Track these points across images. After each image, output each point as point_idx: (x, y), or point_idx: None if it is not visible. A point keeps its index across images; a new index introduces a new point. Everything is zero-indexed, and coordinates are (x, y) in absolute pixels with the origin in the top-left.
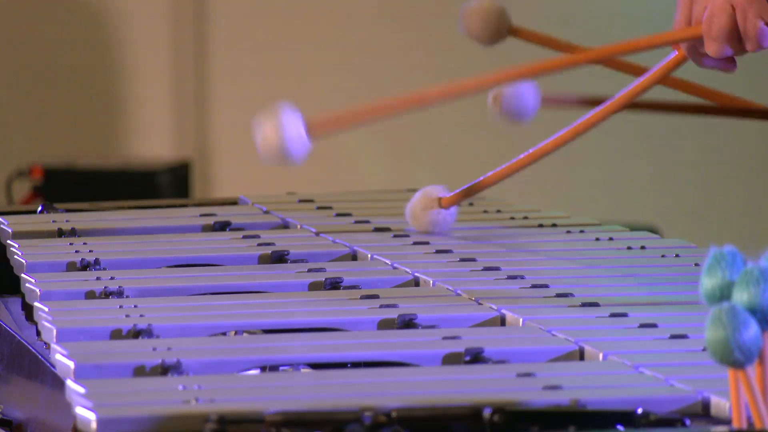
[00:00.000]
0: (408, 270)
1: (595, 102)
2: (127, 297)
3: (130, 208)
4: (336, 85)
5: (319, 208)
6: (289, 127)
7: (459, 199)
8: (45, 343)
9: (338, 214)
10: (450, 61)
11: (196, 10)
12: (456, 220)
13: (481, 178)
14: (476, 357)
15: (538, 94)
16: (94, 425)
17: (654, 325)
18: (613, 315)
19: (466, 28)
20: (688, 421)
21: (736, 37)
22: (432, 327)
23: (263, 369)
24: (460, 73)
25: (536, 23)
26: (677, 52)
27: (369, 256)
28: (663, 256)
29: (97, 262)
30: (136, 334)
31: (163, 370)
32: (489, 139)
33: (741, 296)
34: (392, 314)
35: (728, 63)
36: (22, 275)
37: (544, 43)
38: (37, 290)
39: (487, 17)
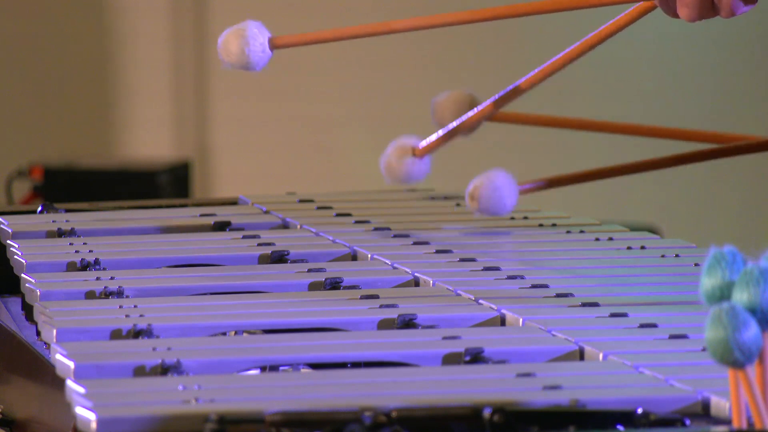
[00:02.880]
0: (408, 270)
1: (564, 180)
2: (127, 297)
3: (130, 208)
4: (338, 79)
5: (319, 208)
6: (251, 31)
7: (435, 146)
8: (45, 343)
9: (338, 214)
10: (454, 56)
11: (196, 5)
12: (456, 220)
13: (456, 123)
14: (476, 357)
15: (514, 187)
16: (94, 425)
17: (654, 325)
18: (613, 315)
19: (439, 123)
20: (688, 421)
21: (708, 5)
22: (432, 327)
23: (263, 369)
24: (461, 65)
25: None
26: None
27: (369, 256)
28: (663, 256)
29: (97, 262)
30: (136, 334)
31: (163, 370)
32: (489, 139)
33: (741, 296)
34: (392, 314)
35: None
36: (22, 275)
37: (518, 120)
38: (37, 290)
39: (458, 110)
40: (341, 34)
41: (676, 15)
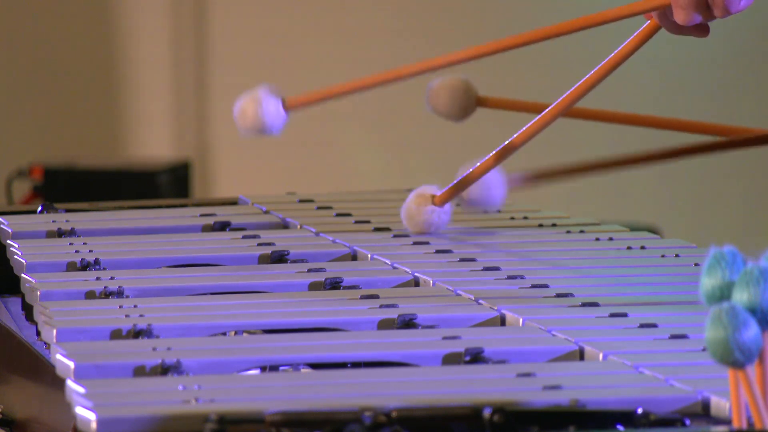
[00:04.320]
0: (408, 270)
1: (559, 172)
2: (127, 297)
3: (130, 208)
4: (339, 78)
5: (319, 208)
6: (266, 97)
7: (452, 194)
8: (45, 343)
9: (338, 214)
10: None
11: (196, 4)
12: (455, 221)
13: (469, 170)
14: (476, 357)
15: (504, 181)
16: (94, 425)
17: (654, 325)
18: (613, 315)
19: (434, 108)
20: (688, 421)
21: (703, 5)
22: (432, 327)
23: (263, 369)
24: (467, 68)
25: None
26: (650, 21)
27: (369, 256)
28: (663, 256)
29: (97, 262)
30: (136, 334)
31: (163, 370)
32: (491, 137)
33: (741, 296)
34: (392, 314)
35: (700, 30)
36: (22, 275)
37: (514, 107)
38: (37, 290)
39: (453, 95)
40: (352, 88)
41: (676, 30)
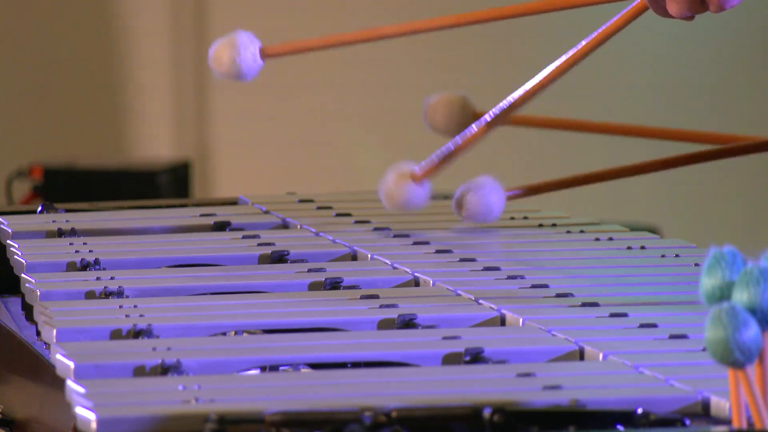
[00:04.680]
0: (408, 270)
1: (557, 184)
2: (127, 297)
3: (130, 208)
4: (339, 77)
5: (319, 208)
6: (242, 43)
7: (433, 170)
8: (45, 343)
9: (338, 214)
10: (453, 54)
11: (196, 3)
12: (455, 221)
13: (453, 145)
14: (476, 357)
15: (502, 194)
16: (94, 425)
17: (654, 325)
18: (613, 315)
19: (431, 124)
20: (688, 421)
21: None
22: (432, 327)
23: (263, 369)
24: (459, 63)
25: None
26: (639, 1)
27: (369, 256)
28: (663, 256)
29: (97, 262)
30: (136, 334)
31: (163, 370)
32: (491, 138)
33: (741, 296)
34: (392, 314)
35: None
36: (22, 275)
37: (520, 123)
38: (37, 290)
39: (450, 112)
40: (331, 42)
41: (666, 13)
